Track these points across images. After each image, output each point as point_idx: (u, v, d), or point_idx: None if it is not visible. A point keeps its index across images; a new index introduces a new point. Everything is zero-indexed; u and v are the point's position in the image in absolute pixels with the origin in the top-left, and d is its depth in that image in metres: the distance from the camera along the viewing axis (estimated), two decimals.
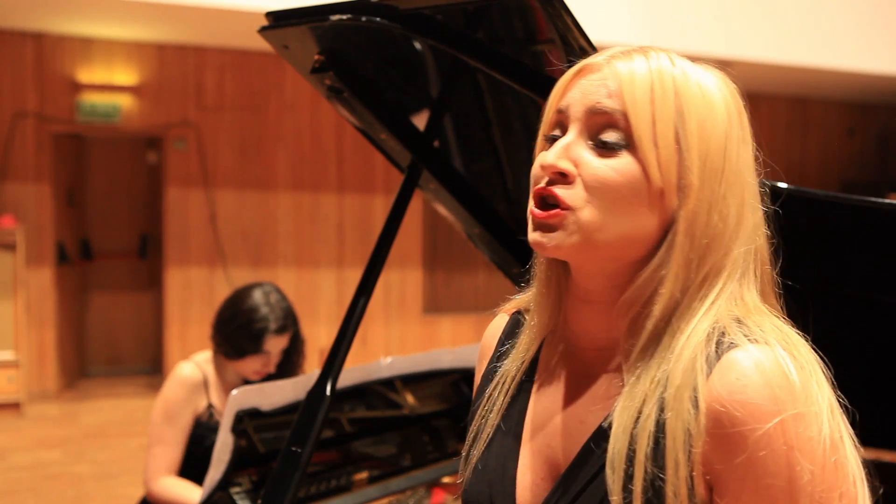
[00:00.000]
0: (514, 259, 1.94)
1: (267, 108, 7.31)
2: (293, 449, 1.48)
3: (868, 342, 1.59)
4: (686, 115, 0.78)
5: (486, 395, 0.93)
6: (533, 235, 0.81)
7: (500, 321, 1.01)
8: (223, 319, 2.37)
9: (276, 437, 1.91)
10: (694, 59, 0.84)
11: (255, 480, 1.89)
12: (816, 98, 9.59)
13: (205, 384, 2.38)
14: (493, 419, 0.91)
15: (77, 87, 6.79)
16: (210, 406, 2.37)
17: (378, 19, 1.44)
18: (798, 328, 0.81)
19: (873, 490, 0.76)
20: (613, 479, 0.75)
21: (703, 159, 0.78)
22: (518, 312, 0.98)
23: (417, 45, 1.71)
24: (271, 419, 1.88)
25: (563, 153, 0.79)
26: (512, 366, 0.92)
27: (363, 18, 1.44)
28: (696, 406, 0.73)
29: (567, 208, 0.78)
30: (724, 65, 0.83)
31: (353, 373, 2.03)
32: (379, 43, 1.71)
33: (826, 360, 0.77)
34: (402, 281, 7.68)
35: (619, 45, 0.85)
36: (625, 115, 0.78)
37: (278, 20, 1.57)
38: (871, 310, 1.53)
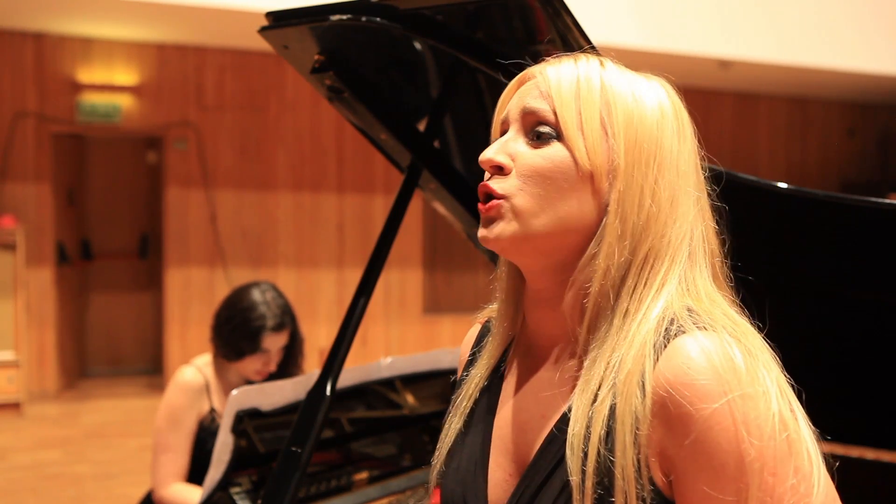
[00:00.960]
0: None
1: (267, 108, 7.31)
2: (293, 449, 1.48)
3: (868, 343, 1.59)
4: (612, 105, 0.83)
5: (455, 402, 0.98)
6: (479, 232, 0.86)
7: (473, 331, 1.06)
8: (221, 321, 2.37)
9: (276, 437, 1.91)
10: (632, 62, 0.89)
11: (255, 480, 1.89)
12: (816, 98, 9.59)
13: (206, 388, 2.37)
14: (458, 424, 0.95)
15: (77, 87, 6.79)
16: (212, 410, 2.36)
17: (378, 19, 1.44)
18: (754, 319, 0.84)
19: (828, 466, 0.77)
20: (573, 459, 0.77)
21: (630, 143, 0.82)
22: (489, 320, 1.02)
23: (417, 46, 1.71)
24: (271, 419, 1.88)
25: (500, 149, 0.86)
26: (478, 372, 0.97)
27: (363, 18, 1.44)
28: (643, 391, 0.76)
29: (501, 197, 0.84)
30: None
31: (353, 373, 2.02)
32: (379, 43, 1.71)
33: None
34: (402, 281, 7.69)
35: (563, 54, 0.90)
36: (553, 111, 0.84)
37: (278, 20, 1.57)
38: (871, 310, 1.53)
